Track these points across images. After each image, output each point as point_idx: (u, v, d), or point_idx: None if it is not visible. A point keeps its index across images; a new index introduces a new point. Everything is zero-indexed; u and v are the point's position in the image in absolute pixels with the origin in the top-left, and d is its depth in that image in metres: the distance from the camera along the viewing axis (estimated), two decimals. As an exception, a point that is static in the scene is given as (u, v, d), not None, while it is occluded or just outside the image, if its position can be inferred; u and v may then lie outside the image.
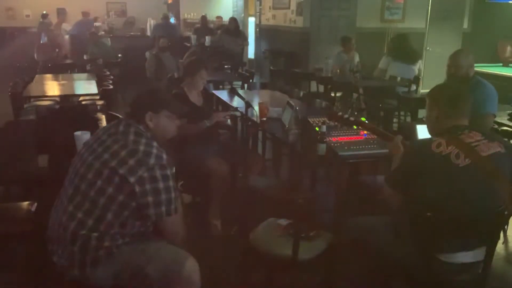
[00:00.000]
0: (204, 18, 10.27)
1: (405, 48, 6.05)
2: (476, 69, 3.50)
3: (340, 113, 2.56)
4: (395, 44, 6.34)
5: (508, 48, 8.42)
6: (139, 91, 2.22)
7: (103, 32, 10.79)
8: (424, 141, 2.18)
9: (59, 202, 2.05)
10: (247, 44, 9.68)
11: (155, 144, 2.00)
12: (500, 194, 2.02)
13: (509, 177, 2.05)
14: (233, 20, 9.32)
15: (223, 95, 4.98)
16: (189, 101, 3.50)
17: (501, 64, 7.56)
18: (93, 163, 1.95)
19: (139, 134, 2.01)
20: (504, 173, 2.03)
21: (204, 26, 10.00)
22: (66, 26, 10.36)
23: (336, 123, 2.85)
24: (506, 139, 2.38)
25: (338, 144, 3.02)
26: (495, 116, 3.46)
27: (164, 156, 1.97)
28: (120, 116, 3.59)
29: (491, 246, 2.08)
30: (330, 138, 3.05)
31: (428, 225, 2.00)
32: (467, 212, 1.99)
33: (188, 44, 9.53)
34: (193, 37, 9.51)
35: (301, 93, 5.11)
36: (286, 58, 8.76)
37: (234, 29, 9.11)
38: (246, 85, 6.51)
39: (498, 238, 2.14)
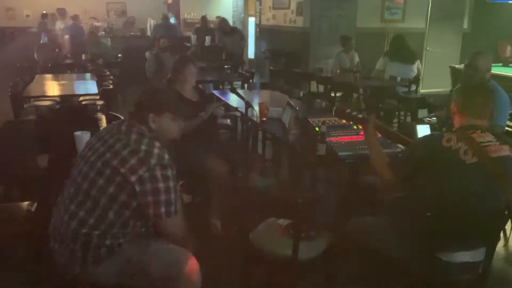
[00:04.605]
0: (204, 18, 10.26)
1: (402, 49, 6.06)
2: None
3: (348, 110, 2.54)
4: (392, 44, 6.35)
5: (508, 48, 8.43)
6: (143, 91, 2.22)
7: (103, 32, 10.79)
8: (435, 135, 2.24)
9: (61, 200, 2.06)
10: (245, 42, 9.65)
11: (157, 144, 2.00)
12: (503, 196, 2.02)
13: None
14: (224, 20, 9.28)
15: (223, 95, 4.98)
16: (183, 98, 3.50)
17: (501, 64, 7.55)
18: (95, 162, 1.96)
19: (141, 134, 2.01)
20: (511, 177, 2.03)
21: (204, 26, 10.00)
22: (60, 24, 10.34)
23: (343, 120, 2.82)
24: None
25: (338, 144, 3.02)
26: (503, 128, 3.43)
27: (166, 156, 1.97)
28: (121, 116, 3.60)
29: (491, 246, 2.09)
30: (330, 138, 3.05)
31: (429, 224, 2.01)
32: (468, 210, 2.00)
33: (188, 44, 9.52)
34: (193, 37, 9.51)
35: (301, 93, 5.11)
36: (286, 58, 8.75)
37: (229, 30, 9.10)
38: (246, 85, 6.51)
39: (499, 238, 2.15)
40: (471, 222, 2.01)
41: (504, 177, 2.00)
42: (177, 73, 3.59)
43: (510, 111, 3.60)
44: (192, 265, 2.00)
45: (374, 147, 2.40)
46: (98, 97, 5.56)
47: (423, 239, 2.05)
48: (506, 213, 2.08)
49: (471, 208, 1.99)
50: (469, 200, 1.99)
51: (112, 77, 6.42)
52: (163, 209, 1.95)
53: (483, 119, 2.13)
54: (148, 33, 10.57)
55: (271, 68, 7.92)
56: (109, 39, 9.79)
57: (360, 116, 2.51)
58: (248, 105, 3.50)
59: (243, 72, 7.15)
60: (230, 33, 9.04)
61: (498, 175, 2.00)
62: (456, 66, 7.34)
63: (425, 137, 2.31)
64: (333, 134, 3.12)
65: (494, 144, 2.04)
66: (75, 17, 10.42)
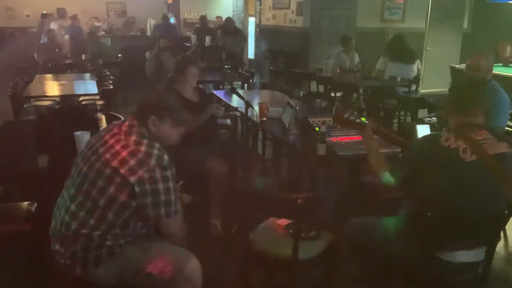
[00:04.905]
0: (203, 18, 10.23)
1: (402, 49, 6.06)
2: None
3: (346, 115, 2.55)
4: (392, 45, 6.35)
5: (508, 48, 8.41)
6: (148, 94, 2.22)
7: (103, 32, 10.79)
8: (433, 135, 2.26)
9: (62, 201, 2.06)
10: (246, 43, 9.67)
11: (157, 145, 2.00)
12: (504, 193, 2.02)
13: None
14: (229, 20, 9.32)
15: (223, 95, 4.98)
16: (184, 98, 3.50)
17: (501, 64, 7.55)
18: (95, 163, 1.95)
19: (141, 135, 2.01)
20: (510, 173, 2.03)
21: (203, 26, 9.99)
22: (54, 25, 10.35)
23: (340, 126, 2.85)
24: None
25: (338, 144, 3.02)
26: (503, 129, 3.42)
27: (166, 157, 1.98)
28: (121, 116, 3.60)
29: (491, 246, 2.08)
30: (330, 138, 3.05)
31: (429, 223, 2.01)
32: (469, 209, 2.00)
33: (188, 44, 9.53)
34: (193, 37, 9.51)
35: (301, 93, 5.11)
36: (286, 58, 8.76)
37: (232, 29, 9.11)
38: (246, 85, 6.51)
39: (499, 238, 2.14)
40: (472, 220, 2.01)
41: (504, 174, 2.01)
42: (179, 74, 3.59)
43: (511, 111, 3.60)
44: (194, 265, 2.01)
45: (373, 151, 2.40)
46: (98, 97, 5.56)
47: (424, 239, 2.05)
48: (506, 212, 2.08)
49: (472, 206, 2.00)
50: (471, 199, 2.00)
51: (112, 77, 6.42)
52: (162, 210, 1.95)
53: (478, 117, 2.14)
54: (148, 33, 10.57)
55: (271, 68, 7.92)
56: (109, 39, 9.78)
57: (358, 121, 2.53)
58: (248, 105, 3.50)
59: (243, 72, 7.15)
60: (233, 33, 9.04)
61: (498, 172, 2.00)
62: (456, 66, 7.34)
63: (423, 137, 2.32)
64: (333, 134, 3.12)
65: (491, 141, 2.05)
66: (73, 17, 10.42)
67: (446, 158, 2.02)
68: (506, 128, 3.74)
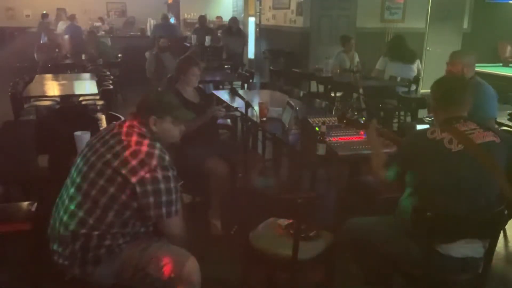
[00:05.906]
0: (202, 18, 10.21)
1: (402, 49, 6.07)
2: (476, 69, 3.50)
3: (349, 115, 2.62)
4: (392, 45, 6.35)
5: (508, 48, 8.43)
6: (147, 93, 2.22)
7: (103, 32, 10.79)
8: (420, 130, 2.33)
9: (61, 201, 2.06)
10: (246, 43, 9.68)
11: (158, 145, 2.00)
12: (493, 182, 2.04)
13: (503, 166, 2.07)
14: (234, 20, 9.32)
15: (223, 95, 4.98)
16: (184, 99, 3.50)
17: (501, 64, 7.56)
18: (96, 163, 1.95)
19: (142, 135, 2.01)
20: (498, 161, 2.06)
21: (202, 26, 9.99)
22: (62, 25, 10.36)
23: (345, 124, 2.91)
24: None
25: (338, 144, 3.02)
26: (495, 119, 3.46)
27: (167, 157, 1.98)
28: (121, 117, 3.60)
29: (490, 243, 2.08)
30: (330, 138, 3.05)
31: (426, 216, 2.01)
32: (461, 200, 2.01)
33: (188, 44, 9.53)
34: (193, 37, 9.51)
35: (301, 93, 5.10)
36: (286, 58, 8.75)
37: (235, 29, 9.11)
38: (246, 85, 6.51)
39: (498, 234, 2.14)
40: (465, 211, 2.02)
41: (492, 162, 2.03)
42: (180, 74, 3.59)
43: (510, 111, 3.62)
44: (192, 265, 2.01)
45: (375, 148, 2.44)
46: (98, 97, 5.56)
47: (421, 233, 2.05)
48: (506, 212, 2.08)
49: (463, 197, 2.02)
50: (460, 190, 2.02)
51: (112, 77, 6.42)
52: (164, 210, 1.95)
53: (463, 111, 2.17)
54: (148, 33, 10.57)
55: (271, 68, 7.92)
56: (109, 39, 9.79)
57: (361, 121, 2.62)
58: (248, 105, 3.50)
59: (243, 72, 7.16)
60: (235, 33, 9.04)
61: (486, 160, 2.02)
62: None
63: (411, 134, 2.39)
64: (333, 134, 3.12)
65: (478, 131, 2.08)
66: (71, 17, 10.42)
67: (432, 151, 2.05)
68: (506, 128, 3.75)
